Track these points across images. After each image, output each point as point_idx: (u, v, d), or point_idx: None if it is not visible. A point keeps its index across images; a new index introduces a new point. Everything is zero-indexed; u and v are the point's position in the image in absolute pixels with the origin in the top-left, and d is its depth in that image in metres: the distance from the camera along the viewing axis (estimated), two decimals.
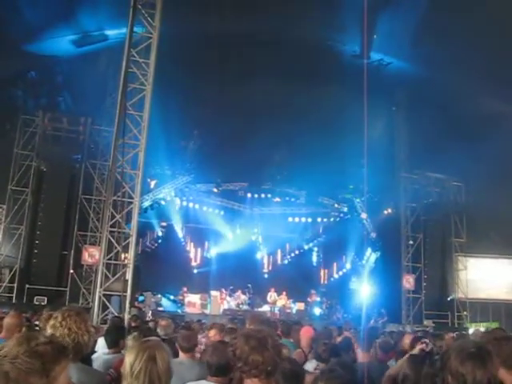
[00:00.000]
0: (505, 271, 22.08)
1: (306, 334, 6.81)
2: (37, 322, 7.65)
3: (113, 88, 15.64)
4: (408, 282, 20.99)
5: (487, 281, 21.82)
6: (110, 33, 18.26)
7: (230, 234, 24.74)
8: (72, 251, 17.89)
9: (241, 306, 21.11)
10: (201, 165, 20.89)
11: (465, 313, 21.67)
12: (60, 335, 3.11)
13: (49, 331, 3.14)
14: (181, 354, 5.07)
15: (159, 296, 20.49)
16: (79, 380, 3.14)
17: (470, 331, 15.21)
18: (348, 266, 25.54)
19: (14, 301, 16.63)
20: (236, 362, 2.85)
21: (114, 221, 12.24)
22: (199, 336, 7.04)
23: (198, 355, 5.69)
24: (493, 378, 2.36)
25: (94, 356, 5.56)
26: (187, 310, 20.37)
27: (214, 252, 24.51)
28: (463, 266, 22.01)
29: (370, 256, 24.47)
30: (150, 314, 17.98)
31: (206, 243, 24.46)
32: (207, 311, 20.64)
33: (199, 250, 24.35)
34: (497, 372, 2.45)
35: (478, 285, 21.80)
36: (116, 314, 11.47)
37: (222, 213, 24.35)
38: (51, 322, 3.18)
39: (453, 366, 2.36)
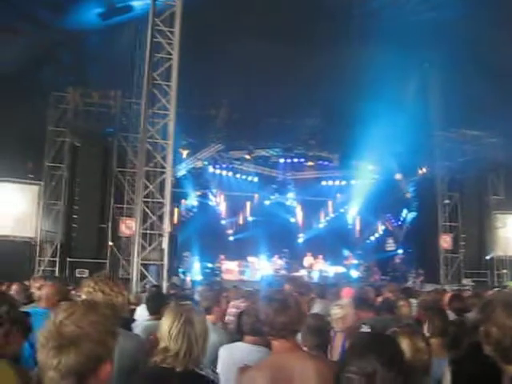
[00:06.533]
0: None
1: (347, 294, 6.94)
2: (79, 293, 7.82)
3: (140, 59, 15.63)
4: (445, 241, 20.77)
5: None
6: (135, 4, 18.16)
7: (264, 200, 24.81)
8: (110, 224, 18.17)
9: (278, 271, 21.23)
10: (232, 132, 20.85)
11: (504, 271, 21.39)
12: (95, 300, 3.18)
13: (83, 297, 3.22)
14: None
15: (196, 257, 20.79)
16: (118, 343, 3.21)
17: None
18: (384, 227, 25.39)
19: (56, 274, 17.04)
20: (263, 325, 2.91)
21: (147, 191, 12.38)
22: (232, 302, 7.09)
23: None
24: None
25: (135, 324, 5.69)
26: (225, 277, 20.59)
27: (249, 219, 24.63)
28: (502, 224, 21.65)
29: (406, 217, 24.27)
30: (188, 282, 18.30)
31: (241, 210, 24.58)
32: (245, 277, 20.85)
33: (235, 217, 24.49)
34: None
35: None
36: (154, 283, 11.68)
37: (256, 179, 24.39)
38: (85, 289, 3.26)
39: (499, 319, 2.33)
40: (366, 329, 3.47)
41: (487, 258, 21.58)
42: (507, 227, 21.56)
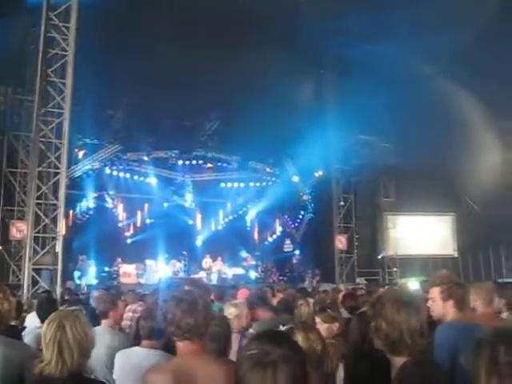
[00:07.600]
0: (432, 228, 22.95)
1: (242, 296, 6.96)
2: None
3: (33, 54, 14.96)
4: (340, 242, 21.49)
5: (415, 238, 22.64)
6: None
7: (162, 202, 24.53)
8: None
9: (177, 273, 21.06)
10: (130, 133, 20.45)
11: (395, 269, 22.48)
12: None
13: None
14: None
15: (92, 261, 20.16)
16: (3, 353, 3.06)
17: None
18: (281, 229, 25.88)
19: None
20: (168, 326, 2.83)
21: (40, 192, 11.89)
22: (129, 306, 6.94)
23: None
24: (424, 323, 2.53)
25: (25, 331, 5.43)
26: (123, 280, 20.15)
27: (147, 221, 24.24)
28: (392, 225, 22.72)
29: (303, 218, 24.86)
30: (84, 286, 17.75)
31: (139, 212, 24.12)
32: (143, 281, 20.50)
33: (132, 219, 24.01)
34: (425, 318, 2.59)
35: (406, 242, 22.60)
36: (47, 288, 11.23)
37: (154, 181, 24.05)
38: None
39: (389, 315, 2.49)
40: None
41: (379, 257, 22.57)
42: (397, 228, 22.66)
